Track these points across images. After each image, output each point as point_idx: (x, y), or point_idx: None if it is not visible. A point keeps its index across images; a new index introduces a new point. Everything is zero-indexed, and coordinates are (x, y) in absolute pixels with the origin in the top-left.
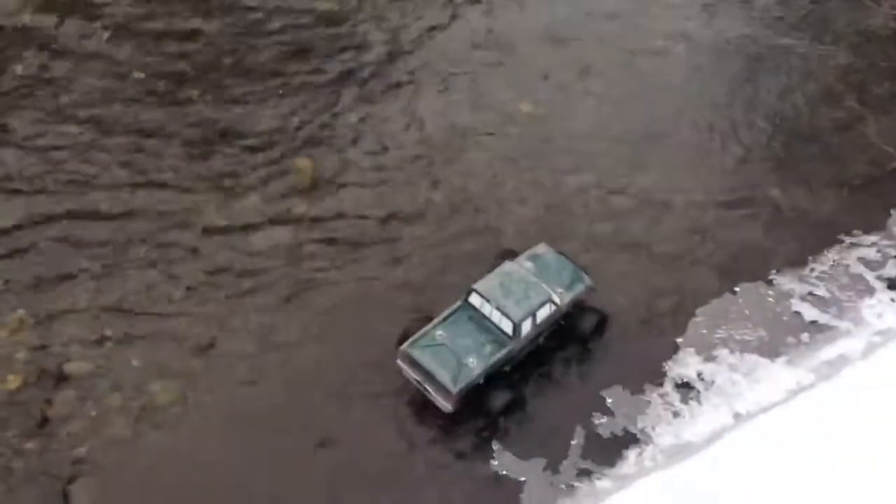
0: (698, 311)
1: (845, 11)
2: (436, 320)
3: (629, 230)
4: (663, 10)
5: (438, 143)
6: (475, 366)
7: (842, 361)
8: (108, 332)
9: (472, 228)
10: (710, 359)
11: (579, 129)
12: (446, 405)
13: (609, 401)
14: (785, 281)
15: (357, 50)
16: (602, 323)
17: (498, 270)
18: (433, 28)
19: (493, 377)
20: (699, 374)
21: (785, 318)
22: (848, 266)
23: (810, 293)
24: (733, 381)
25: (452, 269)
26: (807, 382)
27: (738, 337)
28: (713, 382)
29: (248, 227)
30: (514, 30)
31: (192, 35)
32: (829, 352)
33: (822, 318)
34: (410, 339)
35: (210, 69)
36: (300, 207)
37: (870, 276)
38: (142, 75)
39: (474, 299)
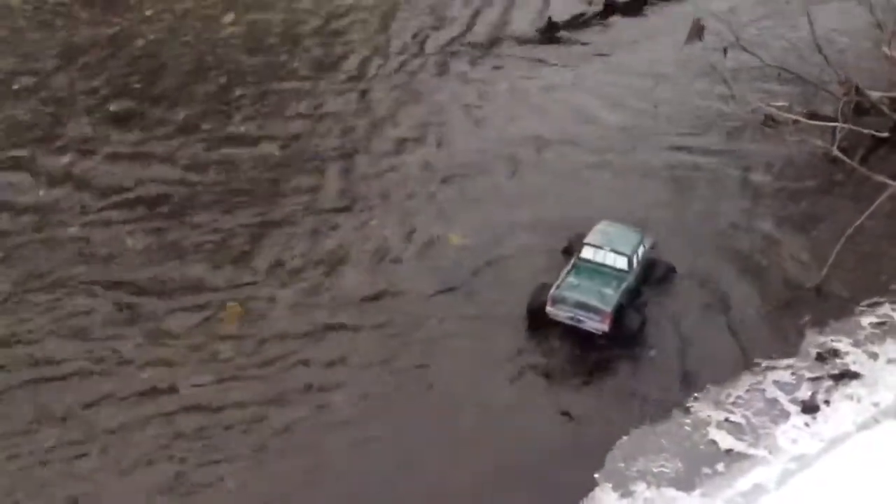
0: (616, 442)
1: (757, 141)
2: (562, 275)
3: (557, 361)
4: (589, 139)
5: (370, 280)
6: (612, 294)
7: (757, 491)
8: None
9: (393, 374)
10: (627, 494)
11: (506, 258)
12: (602, 326)
13: None
14: (702, 407)
15: (279, 201)
16: (672, 270)
17: (594, 229)
18: (381, 161)
19: (620, 310)
20: None
21: (701, 447)
22: (764, 390)
23: (726, 419)
24: None
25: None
26: None
27: (655, 469)
28: None
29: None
30: (441, 162)
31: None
32: (744, 482)
33: (738, 447)
34: (553, 287)
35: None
36: (226, 353)
37: (784, 400)
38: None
39: (587, 252)
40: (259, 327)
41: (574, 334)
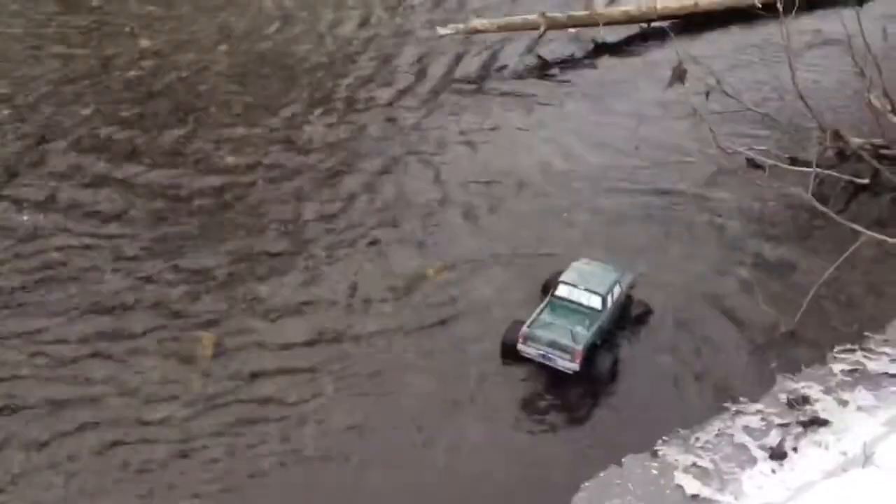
0: (583, 484)
1: (738, 184)
2: (535, 312)
3: (527, 400)
4: (571, 177)
5: (342, 316)
6: (584, 332)
7: None
8: None
9: (362, 409)
10: None
11: (483, 295)
12: (573, 365)
13: None
14: (670, 451)
15: (258, 231)
16: (648, 310)
17: (571, 266)
18: (362, 194)
19: (591, 349)
20: None
21: (668, 491)
22: (732, 435)
23: (694, 464)
24: None
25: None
26: None
27: None
28: None
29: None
30: (422, 196)
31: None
32: None
33: (704, 492)
34: (526, 324)
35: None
36: (197, 385)
37: (753, 445)
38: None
39: (561, 290)
40: (232, 360)
41: (546, 372)
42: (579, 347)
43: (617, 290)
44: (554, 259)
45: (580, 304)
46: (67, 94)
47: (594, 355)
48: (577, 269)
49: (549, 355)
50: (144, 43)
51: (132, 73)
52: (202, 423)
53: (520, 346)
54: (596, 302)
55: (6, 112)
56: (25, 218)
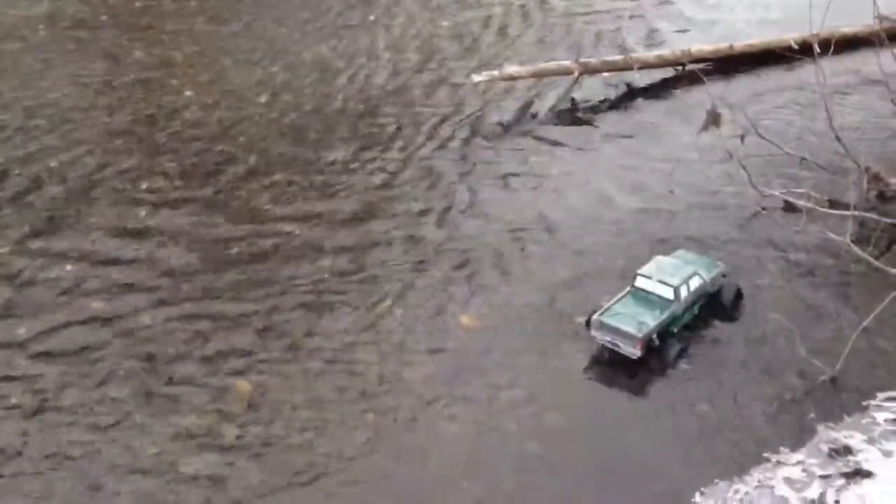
0: None
1: (774, 228)
2: (612, 301)
3: (560, 450)
4: (604, 223)
5: (375, 364)
6: (650, 322)
7: None
8: None
9: (397, 454)
10: None
11: (517, 343)
12: (635, 351)
13: None
14: None
15: (297, 281)
16: (739, 293)
17: (652, 260)
18: (394, 244)
19: (664, 336)
20: None
21: None
22: (773, 487)
23: None
24: None
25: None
26: None
27: None
28: None
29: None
30: (456, 243)
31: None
32: None
33: None
34: (598, 312)
35: (173, 292)
36: (231, 434)
37: (794, 498)
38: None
39: (640, 282)
40: (267, 408)
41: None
42: (639, 335)
43: (696, 281)
44: (585, 304)
45: (653, 295)
46: (111, 147)
47: (665, 344)
48: (656, 262)
49: (615, 341)
50: (189, 93)
51: (175, 124)
52: (235, 473)
53: (592, 333)
54: (668, 293)
55: (53, 164)
56: (68, 267)
